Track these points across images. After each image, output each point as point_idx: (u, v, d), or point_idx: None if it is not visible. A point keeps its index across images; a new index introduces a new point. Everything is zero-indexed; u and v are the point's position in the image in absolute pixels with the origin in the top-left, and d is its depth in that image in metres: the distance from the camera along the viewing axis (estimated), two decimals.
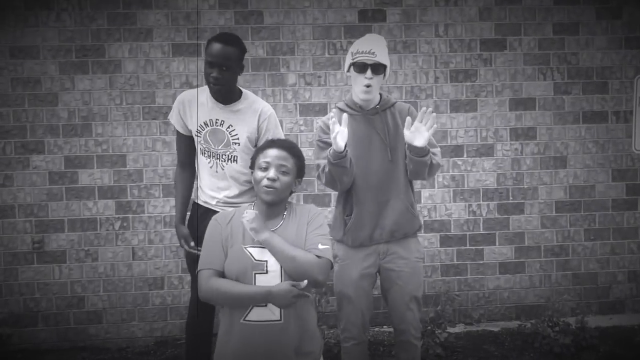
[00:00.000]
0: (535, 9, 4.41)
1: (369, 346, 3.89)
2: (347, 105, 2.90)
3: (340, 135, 2.59)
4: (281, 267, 2.21)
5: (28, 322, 4.17)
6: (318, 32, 4.28)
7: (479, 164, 4.43)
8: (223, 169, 2.97)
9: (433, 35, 4.36)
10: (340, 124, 2.63)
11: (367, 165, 2.83)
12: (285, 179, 2.29)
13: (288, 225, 2.33)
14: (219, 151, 2.95)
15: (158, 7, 4.16)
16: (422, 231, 4.34)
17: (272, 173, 2.26)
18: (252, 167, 2.36)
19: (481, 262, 4.45)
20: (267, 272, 2.21)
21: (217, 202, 3.02)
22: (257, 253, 2.24)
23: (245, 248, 2.25)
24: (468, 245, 4.44)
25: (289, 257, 2.21)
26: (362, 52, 2.75)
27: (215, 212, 2.94)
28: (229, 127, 2.94)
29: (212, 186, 3.02)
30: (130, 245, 4.22)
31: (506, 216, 4.45)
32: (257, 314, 2.23)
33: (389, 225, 2.84)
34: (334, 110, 2.84)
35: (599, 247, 4.53)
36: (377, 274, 2.95)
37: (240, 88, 3.05)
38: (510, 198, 4.46)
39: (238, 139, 2.95)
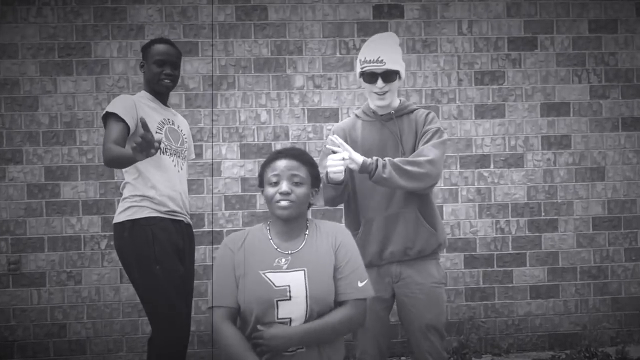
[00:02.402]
0: (569, 4, 4.31)
1: None
2: (363, 111, 2.84)
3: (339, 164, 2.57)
4: (306, 292, 2.10)
5: (3, 352, 3.99)
6: (328, 29, 4.17)
7: (507, 176, 4.26)
8: (182, 169, 3.01)
9: (456, 33, 4.25)
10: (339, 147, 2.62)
11: None
12: (300, 190, 2.16)
13: (313, 244, 2.19)
14: (179, 148, 2.99)
15: (151, 1, 4.12)
16: (444, 250, 4.16)
17: (284, 186, 2.15)
18: (260, 185, 2.26)
19: (510, 285, 4.28)
20: (290, 299, 2.09)
21: (181, 209, 2.96)
22: (277, 279, 2.11)
23: (264, 274, 2.12)
24: (495, 266, 4.27)
25: (328, 333, 2.11)
26: (370, 61, 2.69)
27: (176, 220, 2.89)
28: (178, 127, 3.03)
29: (173, 188, 2.92)
30: (117, 267, 4.02)
31: (538, 234, 4.29)
32: None
33: (399, 242, 2.69)
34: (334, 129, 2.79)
35: None
36: (393, 298, 2.79)
37: None
38: (542, 214, 4.29)
39: (186, 137, 3.07)
